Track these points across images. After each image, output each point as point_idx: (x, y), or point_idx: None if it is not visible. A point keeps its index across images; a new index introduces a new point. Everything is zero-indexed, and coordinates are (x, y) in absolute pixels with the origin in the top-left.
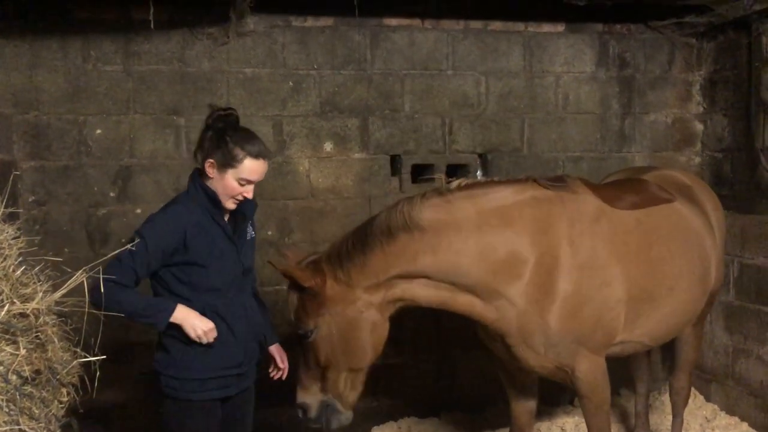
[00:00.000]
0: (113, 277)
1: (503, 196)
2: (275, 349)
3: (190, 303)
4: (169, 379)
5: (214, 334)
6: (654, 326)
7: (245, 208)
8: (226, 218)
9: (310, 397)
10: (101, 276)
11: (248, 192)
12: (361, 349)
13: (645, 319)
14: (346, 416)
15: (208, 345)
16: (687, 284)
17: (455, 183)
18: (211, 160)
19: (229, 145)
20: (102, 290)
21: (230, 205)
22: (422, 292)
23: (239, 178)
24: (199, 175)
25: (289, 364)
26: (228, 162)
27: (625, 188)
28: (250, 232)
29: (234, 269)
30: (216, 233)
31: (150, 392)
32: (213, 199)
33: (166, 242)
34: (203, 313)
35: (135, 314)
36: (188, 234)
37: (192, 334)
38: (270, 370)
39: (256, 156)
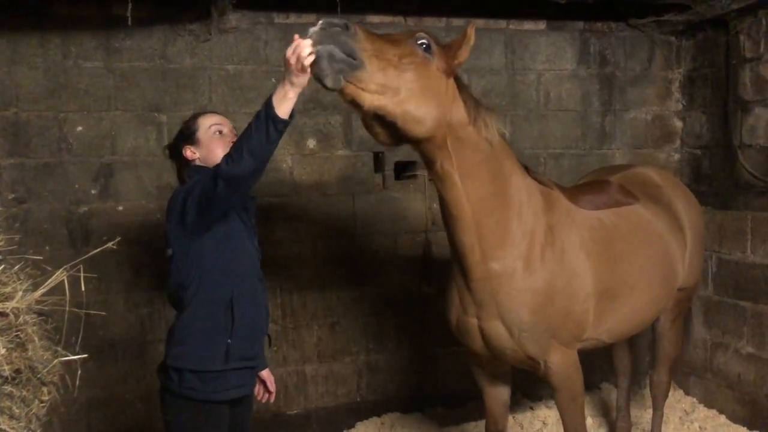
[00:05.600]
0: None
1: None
2: (266, 374)
3: (219, 285)
4: (188, 375)
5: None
6: (615, 325)
7: (246, 202)
8: None
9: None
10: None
11: (233, 136)
12: (423, 107)
13: (607, 317)
14: (355, 64)
15: (231, 332)
16: (647, 285)
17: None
18: (185, 146)
19: (182, 128)
20: (234, 166)
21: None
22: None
23: (209, 128)
24: (188, 167)
25: None
26: (191, 132)
27: (587, 190)
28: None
29: (252, 251)
30: (230, 213)
31: (131, 390)
32: None
33: None
34: (231, 297)
35: (259, 138)
36: None
37: (294, 76)
38: (258, 393)
39: (203, 113)
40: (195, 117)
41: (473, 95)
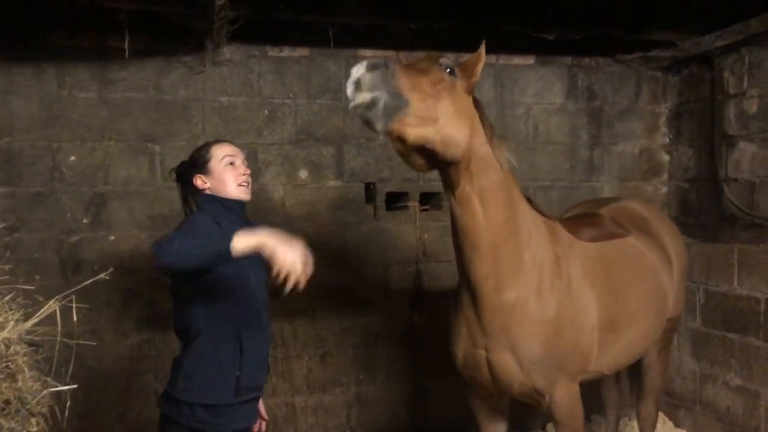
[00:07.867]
0: (173, 239)
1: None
2: (260, 404)
3: (225, 320)
4: (199, 410)
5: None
6: (615, 357)
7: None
8: None
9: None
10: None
11: (245, 168)
12: (459, 130)
13: (609, 349)
14: (401, 104)
15: (238, 362)
16: (644, 316)
17: None
18: (196, 174)
19: (194, 156)
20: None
21: (242, 193)
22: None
23: (222, 159)
24: (197, 195)
25: None
26: (204, 162)
27: (581, 223)
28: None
29: (259, 278)
30: None
31: (118, 421)
32: (224, 201)
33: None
34: (238, 330)
35: (205, 250)
36: None
37: (282, 257)
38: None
39: (215, 142)
40: (208, 145)
41: (488, 115)
